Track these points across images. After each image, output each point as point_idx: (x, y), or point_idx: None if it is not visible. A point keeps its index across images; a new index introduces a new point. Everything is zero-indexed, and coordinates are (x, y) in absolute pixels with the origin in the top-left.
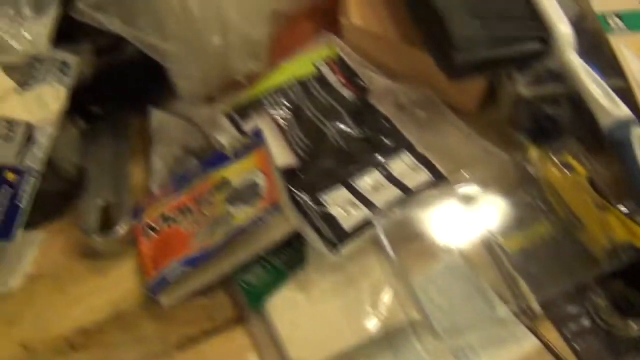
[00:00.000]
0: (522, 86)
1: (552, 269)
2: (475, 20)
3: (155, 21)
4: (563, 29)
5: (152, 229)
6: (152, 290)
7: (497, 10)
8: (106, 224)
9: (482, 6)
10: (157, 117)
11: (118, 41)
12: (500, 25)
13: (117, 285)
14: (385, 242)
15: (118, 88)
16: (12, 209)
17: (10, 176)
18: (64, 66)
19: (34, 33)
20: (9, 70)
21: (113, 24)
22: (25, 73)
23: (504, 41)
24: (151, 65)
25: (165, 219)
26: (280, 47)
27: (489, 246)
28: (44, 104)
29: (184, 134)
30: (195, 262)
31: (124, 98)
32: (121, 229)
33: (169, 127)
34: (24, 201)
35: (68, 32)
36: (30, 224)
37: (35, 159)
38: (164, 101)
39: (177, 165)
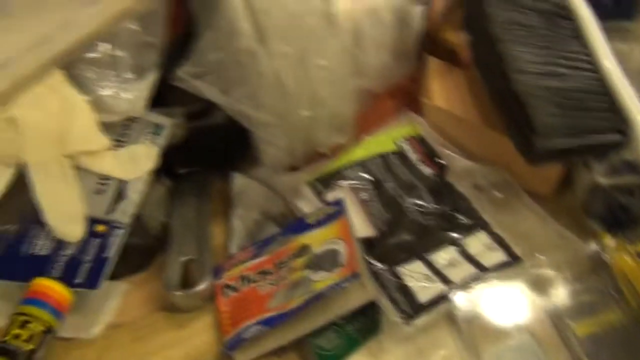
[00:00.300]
0: (599, 175)
1: (621, 356)
2: (556, 108)
3: (250, 92)
4: None
5: (232, 288)
6: (228, 347)
7: (578, 101)
8: (187, 280)
9: (564, 95)
10: (239, 181)
11: (208, 107)
12: (581, 115)
13: (194, 339)
14: (458, 316)
15: (205, 151)
16: (100, 260)
17: (100, 228)
18: (157, 128)
19: (133, 95)
20: (106, 128)
21: (210, 93)
22: (120, 132)
23: (584, 131)
24: (237, 131)
25: (245, 279)
26: (364, 122)
27: (559, 329)
28: (136, 163)
29: (264, 200)
30: (272, 323)
31: (210, 161)
32: (202, 286)
33: (250, 192)
34: (112, 253)
35: (162, 95)
36: (115, 275)
37: (124, 214)
38: (246, 166)
39: (256, 228)
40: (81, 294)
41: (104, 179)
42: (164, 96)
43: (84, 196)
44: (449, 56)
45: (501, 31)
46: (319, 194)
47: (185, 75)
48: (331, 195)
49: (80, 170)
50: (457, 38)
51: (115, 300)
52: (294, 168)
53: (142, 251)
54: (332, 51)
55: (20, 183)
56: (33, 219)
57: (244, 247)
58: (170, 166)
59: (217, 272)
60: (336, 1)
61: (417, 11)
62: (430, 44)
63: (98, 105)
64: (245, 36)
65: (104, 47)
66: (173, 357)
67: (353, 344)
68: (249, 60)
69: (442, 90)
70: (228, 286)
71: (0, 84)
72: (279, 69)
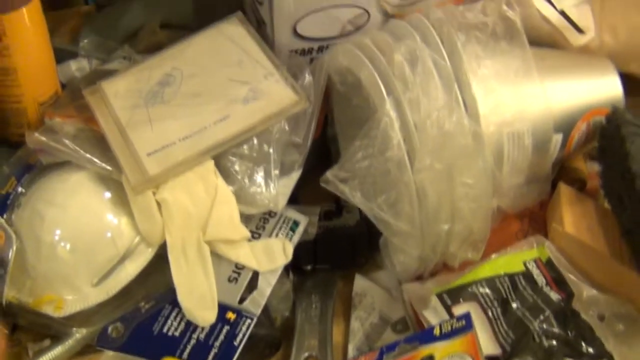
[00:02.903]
0: None
1: None
2: None
3: (392, 200)
4: None
5: None
6: None
7: None
8: None
9: None
10: (361, 283)
11: (340, 209)
12: None
13: None
14: None
15: (333, 251)
16: (228, 347)
17: (231, 316)
18: (294, 225)
19: (276, 191)
20: (246, 219)
21: (354, 197)
22: (259, 224)
23: None
24: (365, 234)
25: None
26: (492, 240)
27: None
28: (271, 256)
29: (385, 304)
30: None
31: (336, 261)
32: None
33: (371, 295)
34: (239, 341)
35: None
36: None
37: (255, 305)
38: (369, 269)
39: (374, 332)
40: None
41: (239, 268)
42: (296, 195)
43: (218, 283)
44: (578, 184)
45: None
46: (446, 307)
47: (333, 178)
48: (458, 309)
49: (217, 257)
50: (587, 167)
51: None
52: (418, 277)
53: (267, 343)
54: (477, 170)
55: (159, 262)
56: (167, 299)
57: (365, 351)
58: (297, 262)
59: None
60: (484, 124)
61: (556, 139)
62: (560, 171)
63: (242, 196)
64: (397, 148)
65: (254, 143)
66: None
67: None
68: (396, 170)
69: (573, 217)
70: None
71: (155, 167)
72: (424, 182)
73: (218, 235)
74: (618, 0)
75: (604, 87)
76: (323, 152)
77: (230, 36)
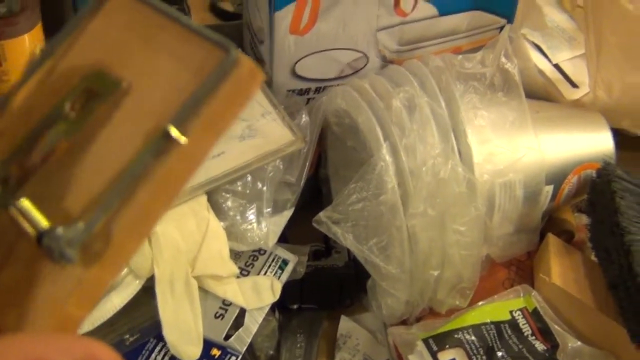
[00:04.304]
0: None
1: None
2: None
3: (383, 244)
4: None
5: None
6: None
7: None
8: None
9: None
10: (346, 324)
11: (329, 249)
12: None
13: None
14: None
15: (319, 291)
16: None
17: (215, 352)
18: (283, 263)
19: (267, 229)
20: (235, 255)
21: (346, 240)
22: (248, 262)
23: None
24: (353, 275)
25: None
26: (478, 288)
27: None
28: (259, 293)
29: (368, 347)
30: None
31: (322, 301)
32: None
33: (355, 337)
34: None
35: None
36: None
37: (240, 342)
38: (355, 311)
39: None
40: None
41: (226, 304)
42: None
43: (204, 318)
44: (565, 236)
45: (629, 223)
46: (432, 352)
47: (326, 219)
48: (444, 355)
49: (205, 292)
50: (575, 219)
51: None
52: (403, 322)
53: None
54: (470, 218)
55: (146, 295)
56: (152, 332)
57: None
58: (284, 300)
59: None
60: (478, 172)
61: (547, 190)
62: (548, 222)
63: (233, 233)
64: (391, 192)
65: (248, 180)
66: None
67: None
68: (389, 214)
69: (561, 268)
70: None
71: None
72: (417, 227)
73: (207, 270)
74: (613, 58)
75: (596, 142)
76: (314, 192)
77: None
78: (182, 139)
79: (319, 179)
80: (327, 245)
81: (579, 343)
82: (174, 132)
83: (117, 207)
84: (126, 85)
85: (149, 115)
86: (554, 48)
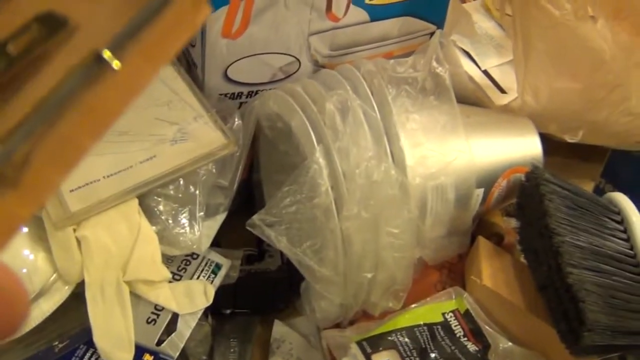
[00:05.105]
0: None
1: None
2: (605, 305)
3: (317, 247)
4: None
5: None
6: None
7: (624, 301)
8: None
9: (612, 294)
10: (280, 329)
11: (262, 253)
12: (626, 315)
13: None
14: None
15: (253, 295)
16: None
17: (148, 358)
18: (216, 268)
19: (199, 233)
20: (168, 260)
21: (280, 242)
22: (180, 266)
23: (629, 332)
24: (286, 279)
25: None
26: (411, 291)
27: None
28: (191, 298)
29: (302, 351)
30: None
31: (256, 305)
32: None
33: (290, 341)
34: None
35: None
36: None
37: (173, 347)
38: (288, 316)
39: None
40: None
41: (158, 309)
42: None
43: (136, 324)
44: (495, 238)
45: (557, 225)
46: (366, 355)
47: (260, 222)
48: (378, 358)
49: (137, 297)
50: (504, 222)
51: None
52: (337, 325)
53: None
54: (403, 220)
55: (76, 301)
56: (82, 338)
57: None
58: (217, 305)
59: None
60: (410, 175)
61: (477, 193)
62: (479, 225)
63: (165, 237)
64: (325, 195)
65: (181, 184)
66: None
67: None
68: (323, 217)
69: (491, 270)
70: None
71: (78, 204)
72: (350, 230)
73: (138, 275)
74: (540, 65)
75: (524, 146)
76: (247, 196)
77: (160, 76)
78: (116, 64)
79: (252, 183)
80: (260, 250)
81: (509, 344)
82: (107, 54)
83: (39, 134)
84: (73, 23)
85: (86, 44)
86: (482, 55)
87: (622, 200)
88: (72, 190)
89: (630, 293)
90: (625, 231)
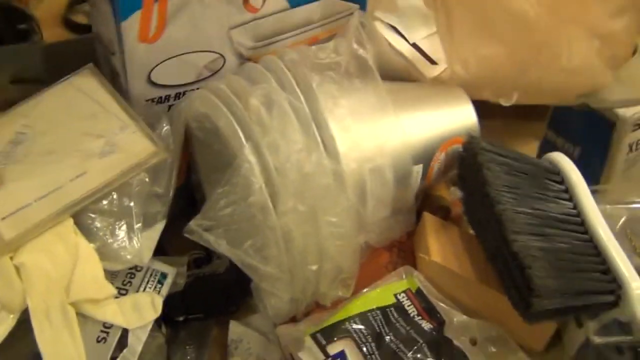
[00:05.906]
0: (590, 333)
1: None
2: (552, 269)
3: (259, 245)
4: (634, 286)
5: None
6: None
7: (572, 262)
8: None
9: (558, 257)
10: (236, 329)
11: (210, 255)
12: (575, 276)
13: None
14: None
15: (204, 299)
16: None
17: None
18: (162, 277)
19: (140, 245)
20: (111, 276)
21: (220, 246)
22: (125, 280)
23: (578, 292)
24: (236, 280)
25: None
26: (362, 275)
27: None
28: (139, 311)
29: (261, 349)
30: None
31: (208, 309)
32: None
33: (247, 340)
34: None
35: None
36: None
37: None
38: (243, 315)
39: None
40: None
41: (107, 327)
42: (163, 244)
43: (86, 344)
44: (442, 212)
45: (498, 193)
46: (321, 346)
47: (197, 228)
48: (333, 348)
49: (84, 318)
50: (450, 195)
51: None
52: (292, 319)
53: None
54: (341, 208)
55: (22, 329)
56: None
57: None
58: (168, 314)
59: None
60: (344, 162)
61: (417, 170)
62: (424, 200)
63: (105, 253)
64: (259, 193)
65: (114, 197)
66: None
67: None
68: (260, 215)
69: (439, 245)
70: None
71: (11, 231)
72: (289, 224)
73: (82, 295)
74: (465, 33)
75: (458, 117)
76: (188, 199)
77: (82, 89)
78: None
79: (192, 186)
80: (207, 252)
81: (464, 317)
82: None
83: None
84: None
85: None
86: (410, 28)
87: (562, 160)
88: (3, 218)
89: (577, 253)
90: (567, 191)
